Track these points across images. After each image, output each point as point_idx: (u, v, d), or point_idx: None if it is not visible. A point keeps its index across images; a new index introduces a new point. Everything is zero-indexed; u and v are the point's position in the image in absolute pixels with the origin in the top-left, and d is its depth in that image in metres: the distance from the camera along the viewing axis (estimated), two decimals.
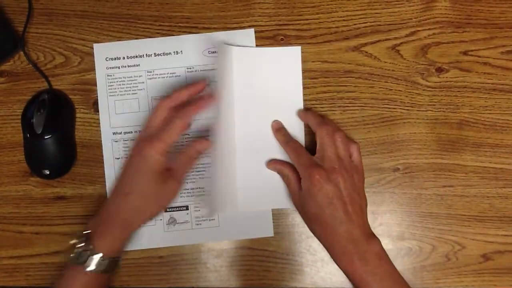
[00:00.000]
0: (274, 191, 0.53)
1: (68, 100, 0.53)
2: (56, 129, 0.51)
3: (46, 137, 0.51)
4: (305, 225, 0.53)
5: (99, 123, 0.53)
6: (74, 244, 0.45)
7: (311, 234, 0.53)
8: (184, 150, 0.49)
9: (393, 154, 0.53)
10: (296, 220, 0.53)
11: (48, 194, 0.53)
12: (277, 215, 0.53)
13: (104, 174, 0.53)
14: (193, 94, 0.49)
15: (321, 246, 0.52)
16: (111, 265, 0.46)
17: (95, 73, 0.53)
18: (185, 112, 0.47)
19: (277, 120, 0.52)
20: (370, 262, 0.45)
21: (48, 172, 0.52)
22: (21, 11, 0.54)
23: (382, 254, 0.46)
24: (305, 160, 0.48)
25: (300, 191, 0.48)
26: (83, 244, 0.45)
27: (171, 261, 0.53)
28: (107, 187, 0.53)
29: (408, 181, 0.53)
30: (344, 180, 0.46)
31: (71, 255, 0.45)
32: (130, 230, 0.47)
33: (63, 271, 0.46)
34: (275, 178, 0.52)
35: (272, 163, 0.52)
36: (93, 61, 0.53)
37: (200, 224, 0.53)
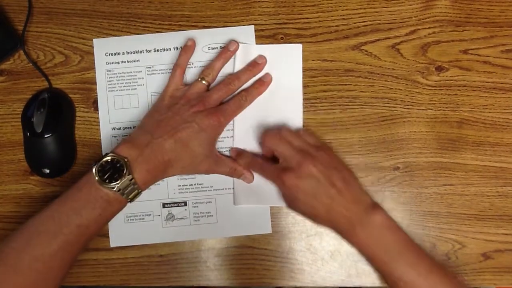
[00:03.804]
0: (272, 188, 0.52)
1: (68, 99, 0.53)
2: (56, 128, 0.51)
3: (46, 136, 0.51)
4: (305, 224, 0.53)
5: (99, 121, 0.53)
6: (114, 161, 0.44)
7: (311, 232, 0.53)
8: (234, 164, 0.51)
9: (393, 153, 0.53)
10: (296, 219, 0.53)
11: (48, 193, 0.53)
12: (277, 214, 0.53)
13: None
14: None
15: (321, 245, 0.53)
16: (136, 196, 0.46)
17: (95, 72, 0.53)
18: (251, 96, 0.51)
19: (232, 148, 0.52)
20: (373, 234, 0.45)
21: (48, 171, 0.52)
22: (21, 10, 0.54)
23: (386, 224, 0.45)
24: (272, 172, 0.48)
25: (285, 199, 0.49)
26: (128, 175, 0.44)
27: (171, 260, 0.53)
28: None
29: (408, 180, 0.53)
30: (314, 165, 0.46)
31: (116, 184, 0.43)
32: (166, 174, 0.48)
33: (86, 180, 0.44)
34: None
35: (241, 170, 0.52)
36: (93, 59, 0.53)
37: (198, 220, 0.53)
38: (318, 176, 0.46)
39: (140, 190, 0.45)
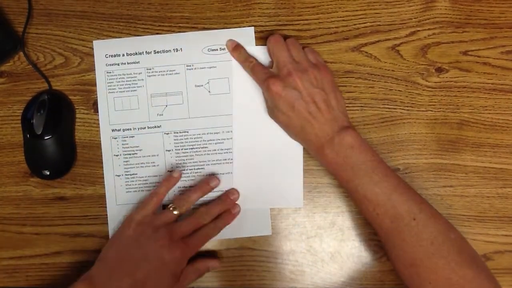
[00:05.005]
0: (272, 190, 0.53)
1: (68, 100, 0.53)
2: (56, 129, 0.51)
3: (46, 137, 0.51)
4: (306, 226, 0.53)
5: (99, 123, 0.53)
6: None
7: (311, 234, 0.53)
8: (195, 265, 0.49)
9: (393, 154, 0.53)
10: (297, 221, 0.53)
11: (48, 194, 0.53)
12: (277, 216, 0.53)
13: (100, 174, 0.53)
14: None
15: (321, 246, 0.53)
16: None
17: (95, 73, 0.53)
18: (218, 229, 0.50)
19: (231, 39, 0.53)
20: (340, 153, 0.46)
21: (48, 173, 0.52)
22: (20, 12, 0.54)
23: (355, 144, 0.46)
24: (261, 75, 0.49)
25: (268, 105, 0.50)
26: None
27: None
28: (106, 185, 0.53)
29: (408, 181, 0.52)
30: (302, 80, 0.47)
31: None
32: None
33: None
34: (273, 177, 0.52)
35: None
36: (93, 61, 0.53)
37: None
38: (302, 90, 0.47)
39: None
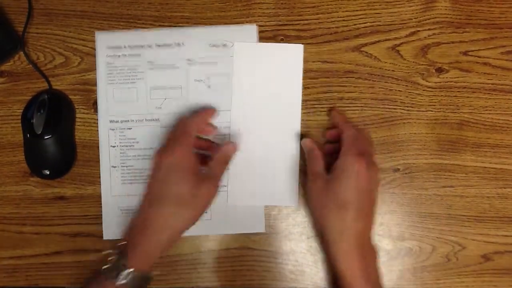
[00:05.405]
0: (267, 188, 0.53)
1: (68, 100, 0.53)
2: (56, 129, 0.51)
3: (46, 137, 0.51)
4: (306, 226, 0.53)
5: (98, 116, 0.53)
6: (108, 255, 0.42)
7: (311, 234, 0.53)
8: (214, 157, 0.49)
9: (393, 155, 0.53)
10: (297, 221, 0.53)
11: (48, 194, 0.53)
12: (278, 216, 0.53)
13: (99, 173, 0.53)
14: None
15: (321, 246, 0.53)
16: (143, 280, 0.43)
17: (95, 73, 0.53)
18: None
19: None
20: (366, 258, 0.45)
21: (48, 173, 0.52)
22: (21, 11, 0.54)
23: (377, 260, 0.47)
24: (352, 146, 0.47)
25: (326, 173, 0.46)
26: (115, 257, 0.42)
27: (171, 261, 0.53)
28: (101, 176, 0.53)
29: (408, 182, 0.53)
30: (377, 179, 0.47)
31: (104, 267, 0.42)
32: (167, 239, 0.44)
33: (94, 279, 0.43)
34: (268, 175, 0.53)
35: (305, 141, 0.51)
36: (93, 60, 0.53)
37: None
38: (373, 186, 0.47)
39: (129, 267, 0.42)
